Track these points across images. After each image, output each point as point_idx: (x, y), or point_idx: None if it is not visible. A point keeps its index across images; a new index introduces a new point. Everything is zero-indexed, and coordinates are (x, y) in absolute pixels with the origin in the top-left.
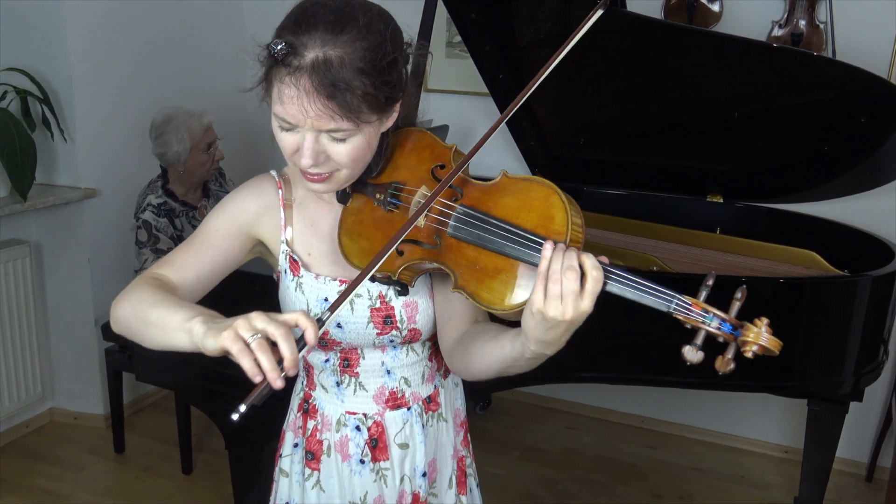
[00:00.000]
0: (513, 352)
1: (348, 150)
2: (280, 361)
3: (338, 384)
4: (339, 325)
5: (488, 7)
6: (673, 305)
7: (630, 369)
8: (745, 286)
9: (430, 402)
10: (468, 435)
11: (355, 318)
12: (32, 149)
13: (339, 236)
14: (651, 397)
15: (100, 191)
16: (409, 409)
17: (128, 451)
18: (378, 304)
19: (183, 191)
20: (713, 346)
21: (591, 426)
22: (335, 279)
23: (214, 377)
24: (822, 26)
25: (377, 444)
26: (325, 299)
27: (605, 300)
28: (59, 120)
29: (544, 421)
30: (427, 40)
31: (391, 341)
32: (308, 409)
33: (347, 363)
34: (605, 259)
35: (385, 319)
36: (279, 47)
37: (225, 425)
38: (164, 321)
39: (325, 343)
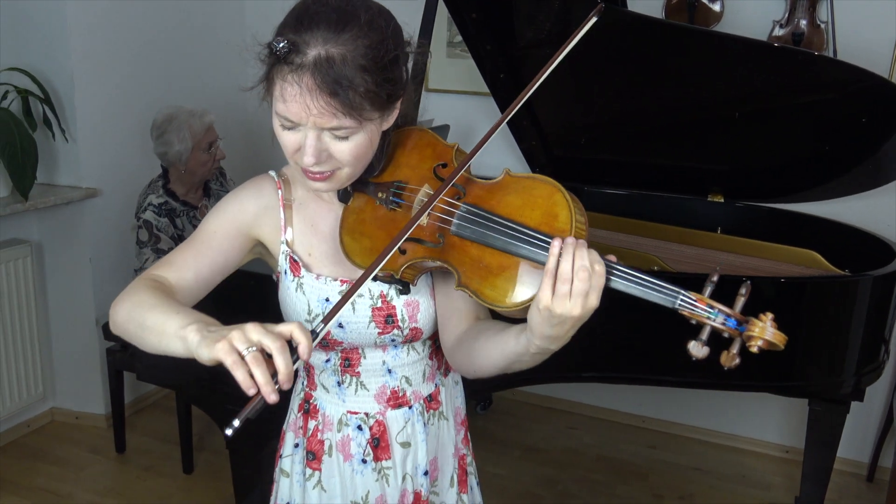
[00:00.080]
0: (517, 347)
1: (351, 147)
2: (274, 374)
3: (339, 384)
4: (340, 325)
5: (489, 6)
6: (678, 301)
7: (631, 369)
8: (749, 282)
9: (431, 400)
10: (468, 433)
11: (357, 318)
12: (34, 148)
13: (341, 235)
14: (652, 397)
15: (101, 190)
16: (410, 407)
17: (129, 450)
18: (379, 304)
19: (184, 190)
20: (718, 342)
21: (592, 426)
22: (336, 279)
23: (215, 377)
24: (822, 26)
25: (379, 444)
26: (327, 299)
27: (607, 299)
28: (60, 120)
29: (545, 421)
30: (428, 40)
31: (392, 340)
32: (309, 410)
33: (348, 363)
34: (612, 258)
35: (386, 319)
36: (281, 45)
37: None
38: (159, 326)
39: (326, 343)
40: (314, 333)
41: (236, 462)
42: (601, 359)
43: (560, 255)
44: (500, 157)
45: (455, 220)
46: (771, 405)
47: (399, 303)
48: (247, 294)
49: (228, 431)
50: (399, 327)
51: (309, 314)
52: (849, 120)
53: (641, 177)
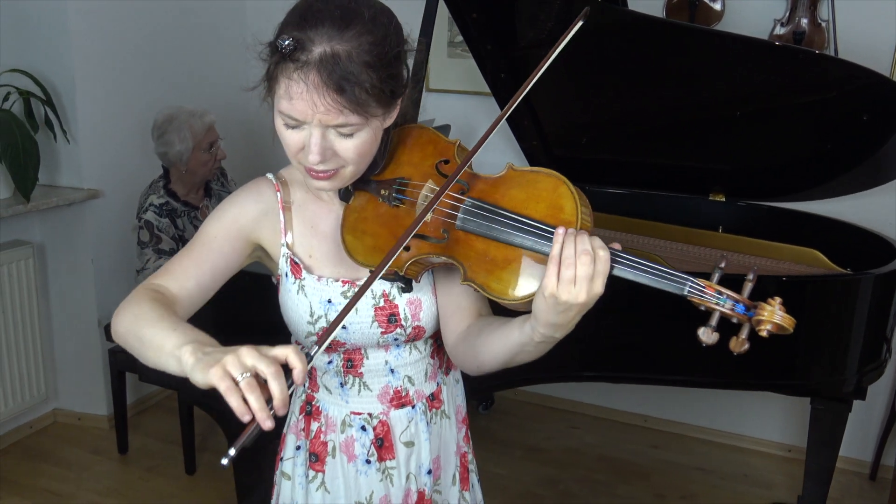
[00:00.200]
0: (521, 337)
1: (356, 144)
2: (269, 401)
3: (342, 385)
4: (343, 327)
5: (489, 6)
6: (687, 288)
7: (632, 368)
8: (756, 267)
9: (434, 399)
10: (469, 431)
11: (359, 318)
12: (35, 150)
13: (343, 234)
14: (653, 396)
15: (102, 191)
16: (413, 407)
17: (131, 451)
18: (382, 303)
19: (185, 191)
20: (727, 330)
21: (594, 426)
22: (337, 280)
23: None
24: (823, 24)
25: (383, 444)
26: (329, 301)
27: (607, 298)
28: (61, 121)
29: (546, 420)
30: (428, 40)
31: (395, 340)
32: (311, 411)
33: (351, 364)
34: (617, 246)
35: (389, 318)
36: (287, 42)
37: (228, 425)
38: (157, 342)
39: (329, 345)
40: (308, 357)
41: (238, 462)
42: (602, 358)
43: (563, 242)
44: (501, 157)
45: (460, 215)
46: (773, 404)
47: (402, 301)
48: (248, 295)
49: (224, 461)
50: (402, 326)
51: (311, 316)
52: (850, 118)
53: (642, 176)
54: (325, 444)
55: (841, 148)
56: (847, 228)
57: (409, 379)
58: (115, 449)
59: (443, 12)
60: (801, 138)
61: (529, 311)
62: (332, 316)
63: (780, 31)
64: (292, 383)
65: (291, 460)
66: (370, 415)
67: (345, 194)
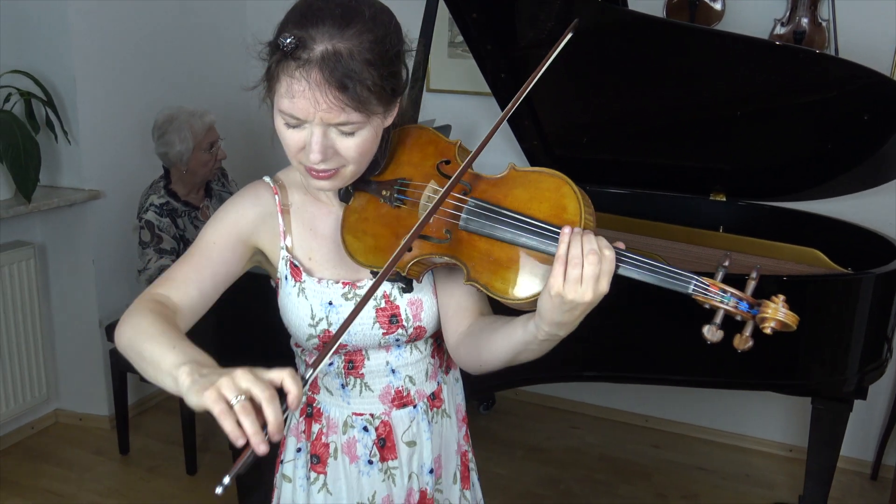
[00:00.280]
0: (525, 335)
1: (357, 143)
2: (264, 425)
3: (343, 386)
4: None
5: (489, 6)
6: (692, 287)
7: (633, 368)
8: (759, 266)
9: (434, 398)
10: (468, 430)
11: (361, 320)
12: (36, 151)
13: (343, 235)
14: (655, 396)
15: (103, 192)
16: (415, 407)
17: (132, 451)
18: (383, 304)
19: (185, 191)
20: (731, 327)
21: (595, 426)
22: (338, 282)
23: None
24: (824, 24)
25: (385, 444)
26: (330, 303)
27: (611, 297)
28: (62, 122)
29: (547, 420)
30: (428, 40)
31: (396, 340)
32: (312, 413)
33: (352, 365)
34: (621, 245)
35: (391, 319)
36: (288, 41)
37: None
38: (155, 359)
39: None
40: (303, 380)
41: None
42: (603, 358)
43: (570, 241)
44: (502, 157)
45: (463, 215)
46: (774, 404)
47: (403, 302)
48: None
49: (219, 490)
50: (403, 326)
51: (312, 319)
52: (850, 118)
53: (643, 176)
54: (326, 445)
55: (841, 148)
56: (848, 228)
57: (411, 379)
58: (117, 449)
59: (443, 12)
60: (801, 138)
61: (532, 310)
62: (334, 318)
63: (780, 30)
64: (287, 408)
65: (292, 462)
66: (372, 415)
67: (344, 195)
